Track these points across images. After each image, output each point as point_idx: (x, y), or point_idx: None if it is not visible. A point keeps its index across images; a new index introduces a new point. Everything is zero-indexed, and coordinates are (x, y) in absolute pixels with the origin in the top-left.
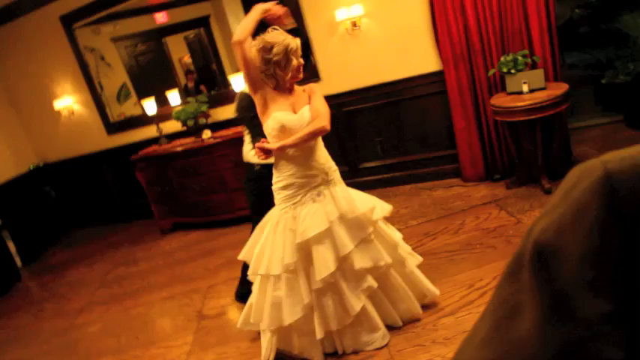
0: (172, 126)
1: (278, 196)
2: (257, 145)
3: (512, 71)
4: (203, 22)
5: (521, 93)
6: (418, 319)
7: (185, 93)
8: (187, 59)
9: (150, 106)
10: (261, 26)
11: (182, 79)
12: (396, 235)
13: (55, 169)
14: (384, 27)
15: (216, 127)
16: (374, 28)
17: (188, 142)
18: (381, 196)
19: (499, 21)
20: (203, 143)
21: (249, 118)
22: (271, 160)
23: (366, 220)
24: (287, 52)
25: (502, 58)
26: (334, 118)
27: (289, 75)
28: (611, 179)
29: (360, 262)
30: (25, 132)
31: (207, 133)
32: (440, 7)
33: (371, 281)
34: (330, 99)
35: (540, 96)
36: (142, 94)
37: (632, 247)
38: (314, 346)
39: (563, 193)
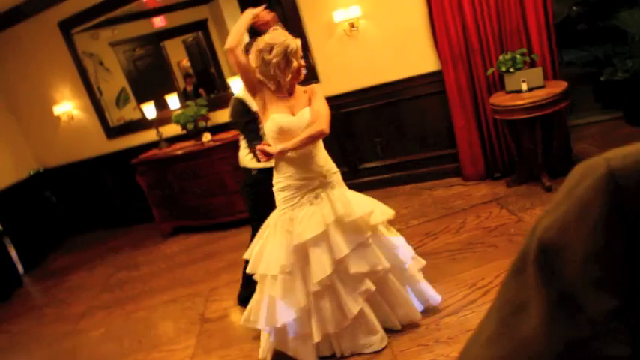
0: (172, 130)
1: (277, 197)
2: (258, 147)
3: (511, 70)
4: (201, 25)
5: (520, 91)
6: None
7: (184, 96)
8: (186, 63)
9: (149, 110)
10: (253, 33)
11: (181, 82)
12: (397, 239)
13: (55, 175)
14: (382, 28)
15: (215, 130)
16: (372, 29)
17: (188, 145)
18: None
19: (497, 20)
20: (203, 146)
21: (244, 123)
22: (270, 163)
23: (364, 223)
24: (286, 54)
25: (500, 57)
26: (334, 120)
27: (289, 76)
28: (615, 176)
29: (356, 266)
30: (25, 138)
31: (206, 137)
32: (437, 7)
33: (369, 284)
34: (329, 100)
35: (539, 94)
36: (141, 99)
37: (636, 243)
38: (308, 349)
39: (567, 191)
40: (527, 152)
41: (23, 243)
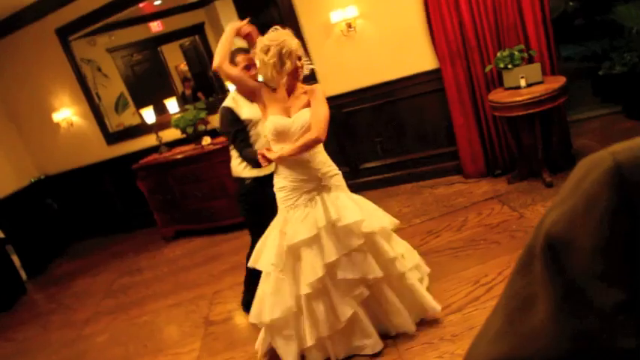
0: (172, 134)
1: (277, 197)
2: (259, 152)
3: (509, 66)
4: (198, 29)
5: (518, 88)
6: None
7: (183, 100)
8: (184, 67)
9: (148, 114)
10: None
11: (179, 86)
12: (397, 248)
13: (56, 182)
14: (379, 27)
15: (215, 133)
16: (369, 29)
17: (188, 149)
18: (382, 196)
19: (494, 16)
20: (203, 150)
21: (234, 132)
22: (265, 170)
23: (356, 230)
24: (281, 55)
25: (498, 54)
26: (333, 120)
27: (284, 78)
28: (621, 169)
29: (345, 272)
30: (25, 145)
31: (206, 140)
32: (434, 4)
33: (362, 289)
34: (328, 100)
35: (538, 90)
36: (140, 104)
37: None
38: (290, 349)
39: (573, 185)
40: (527, 148)
41: (26, 250)
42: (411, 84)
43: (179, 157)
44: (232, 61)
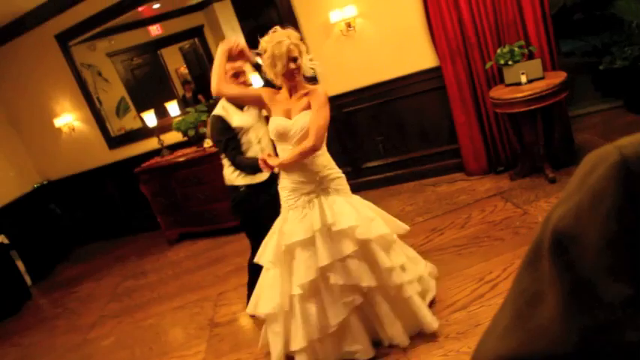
0: (173, 137)
1: (280, 195)
2: (261, 157)
3: (510, 63)
4: (197, 32)
5: (519, 84)
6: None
7: (184, 103)
8: (184, 70)
9: (150, 118)
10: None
11: (180, 89)
12: (396, 258)
13: (59, 187)
14: (378, 26)
15: None
16: (369, 28)
17: (190, 151)
18: (385, 195)
19: (493, 13)
20: (205, 152)
21: (225, 141)
22: (258, 178)
23: (351, 235)
24: (273, 57)
25: (499, 50)
26: (334, 120)
27: (279, 79)
28: (627, 163)
29: (337, 277)
30: (27, 151)
31: (208, 142)
32: (433, 2)
33: (355, 296)
34: (329, 101)
35: (539, 86)
36: (141, 107)
37: None
38: (277, 341)
39: (579, 180)
40: (529, 144)
41: (30, 256)
42: (411, 82)
43: (181, 159)
44: None
